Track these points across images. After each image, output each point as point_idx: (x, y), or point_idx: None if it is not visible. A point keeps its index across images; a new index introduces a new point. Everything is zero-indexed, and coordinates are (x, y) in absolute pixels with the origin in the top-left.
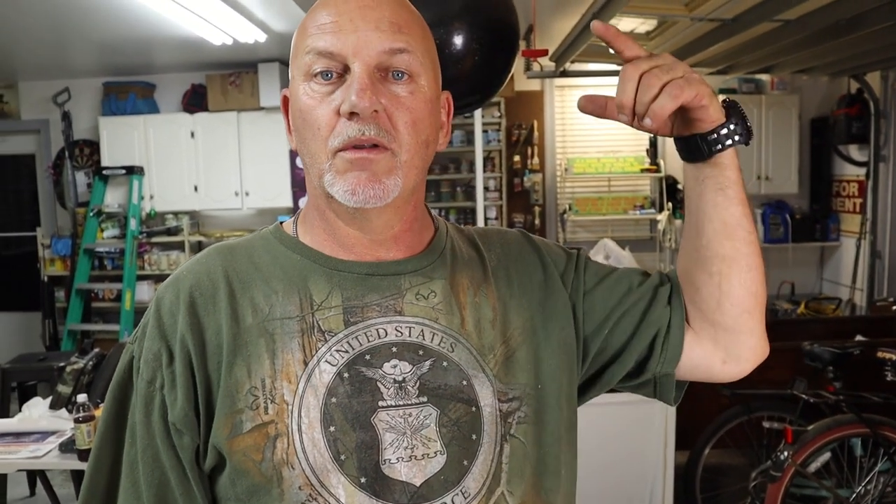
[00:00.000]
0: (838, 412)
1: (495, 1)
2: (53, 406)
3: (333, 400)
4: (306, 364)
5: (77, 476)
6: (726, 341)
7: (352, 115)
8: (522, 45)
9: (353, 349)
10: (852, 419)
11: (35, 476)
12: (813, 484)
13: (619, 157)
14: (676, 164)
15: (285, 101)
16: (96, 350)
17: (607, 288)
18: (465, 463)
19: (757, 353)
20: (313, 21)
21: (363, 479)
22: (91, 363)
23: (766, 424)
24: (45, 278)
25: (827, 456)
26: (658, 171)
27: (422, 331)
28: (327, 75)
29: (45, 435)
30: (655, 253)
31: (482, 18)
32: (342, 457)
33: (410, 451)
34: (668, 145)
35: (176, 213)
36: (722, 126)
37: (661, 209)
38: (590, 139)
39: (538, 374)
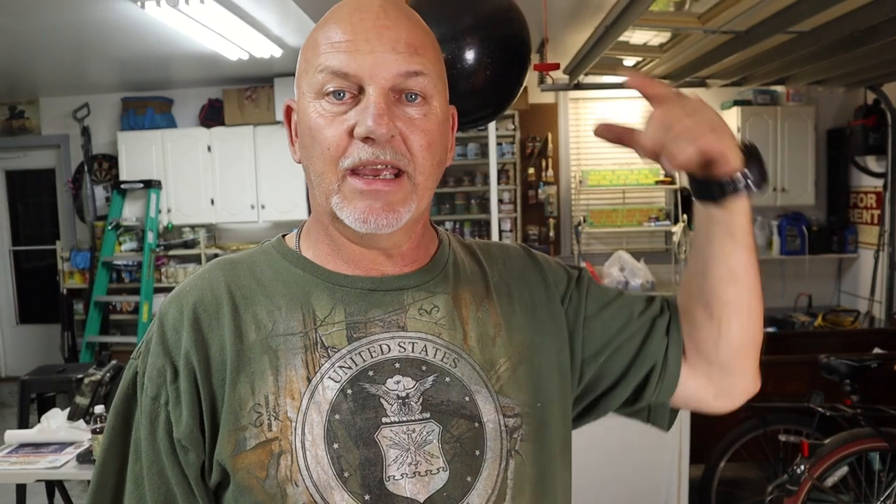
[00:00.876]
0: (856, 426)
1: (507, 17)
2: (71, 417)
3: (337, 417)
4: (309, 381)
5: None
6: (720, 379)
7: (366, 139)
8: (535, 58)
9: (357, 365)
10: (870, 433)
11: (53, 486)
12: (830, 498)
13: (633, 169)
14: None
15: (289, 111)
16: (114, 362)
17: (609, 316)
18: (469, 479)
19: (748, 391)
20: (326, 37)
21: (367, 497)
22: (108, 375)
23: (782, 438)
24: (65, 291)
25: (844, 470)
26: (673, 182)
27: (425, 346)
28: (340, 95)
29: (63, 446)
30: (671, 265)
31: (494, 34)
32: (346, 474)
33: (414, 468)
34: None
35: (193, 226)
36: (737, 172)
37: (676, 221)
38: (604, 151)
39: (538, 393)
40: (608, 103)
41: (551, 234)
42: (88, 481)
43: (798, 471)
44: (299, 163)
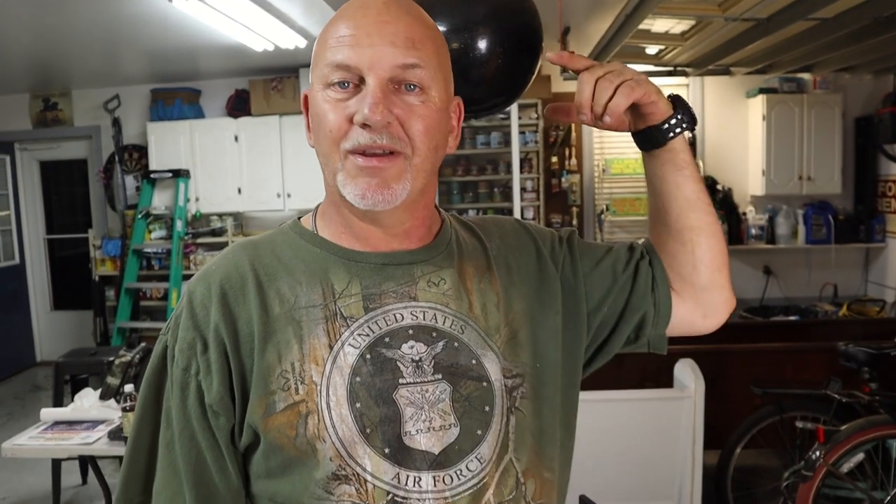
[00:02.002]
0: (873, 413)
1: (519, 6)
2: (103, 397)
3: (358, 379)
4: (331, 348)
5: None
6: (704, 298)
7: (364, 125)
8: (557, 46)
9: (374, 333)
10: (886, 420)
11: (87, 465)
12: (847, 485)
13: None
14: (715, 163)
15: (306, 100)
16: (143, 344)
17: (603, 270)
18: (479, 433)
19: (729, 305)
20: (333, 32)
21: (387, 450)
22: (138, 356)
23: (799, 424)
24: (97, 278)
25: (860, 457)
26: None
27: (434, 315)
28: (344, 85)
29: (95, 423)
30: None
31: (506, 24)
32: (368, 430)
33: (429, 424)
34: (708, 145)
35: (220, 215)
36: (671, 117)
37: None
38: (627, 140)
39: (536, 355)
40: None
41: (574, 222)
42: (119, 458)
43: (813, 457)
44: (313, 147)
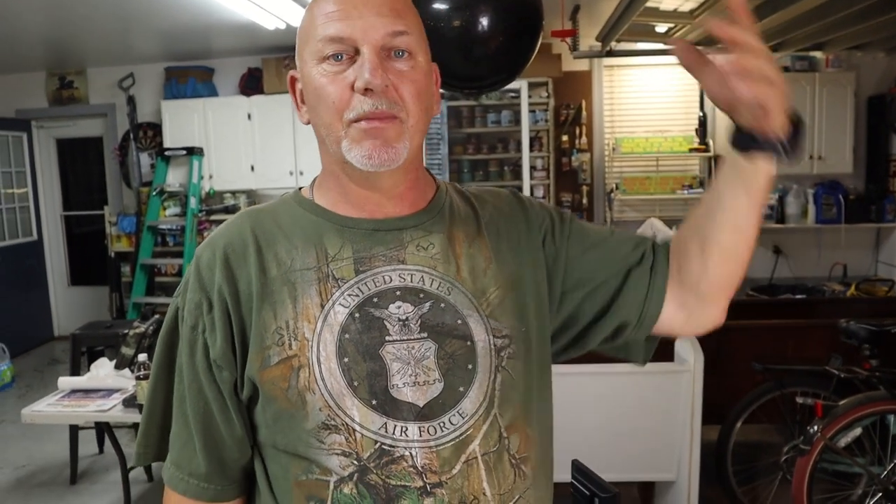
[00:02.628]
0: (873, 389)
1: None
2: (118, 366)
3: (347, 336)
4: (323, 307)
5: None
6: (693, 307)
7: (366, 90)
8: (568, 24)
9: (363, 293)
10: (884, 395)
11: (103, 435)
12: (845, 460)
13: (667, 136)
14: (726, 143)
15: (293, 82)
16: (156, 316)
17: (591, 259)
18: (461, 389)
19: (716, 323)
20: (320, 10)
21: (374, 402)
22: (151, 328)
23: (799, 400)
24: (112, 254)
25: (857, 432)
26: (707, 150)
27: (422, 277)
28: (338, 57)
29: (110, 392)
30: None
31: (506, 2)
32: (355, 383)
33: (414, 378)
34: (718, 125)
35: (233, 192)
36: (777, 134)
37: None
38: (638, 119)
39: (522, 318)
40: (643, 70)
41: (584, 201)
42: (133, 425)
43: (811, 431)
44: (307, 124)
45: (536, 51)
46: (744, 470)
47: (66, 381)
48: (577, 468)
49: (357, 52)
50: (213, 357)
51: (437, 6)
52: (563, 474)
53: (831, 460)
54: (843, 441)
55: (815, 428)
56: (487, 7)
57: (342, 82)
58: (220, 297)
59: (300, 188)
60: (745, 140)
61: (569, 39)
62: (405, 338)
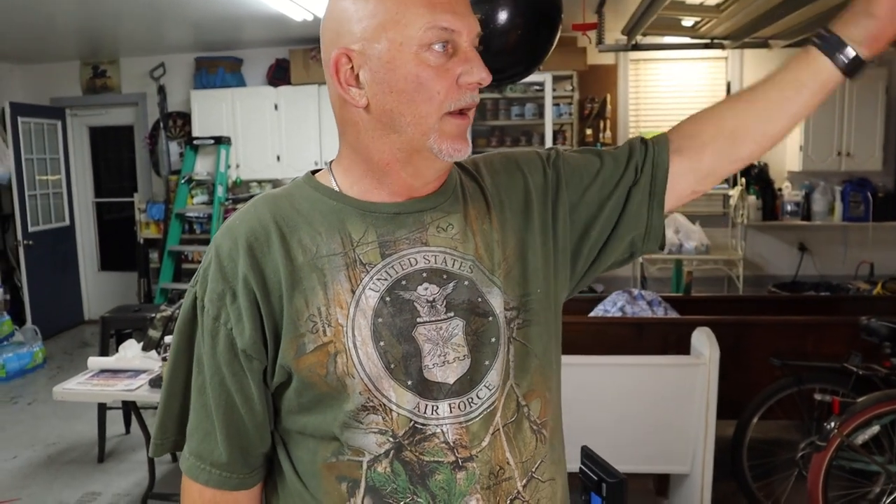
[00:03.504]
0: (893, 387)
1: None
2: (145, 348)
3: (380, 320)
4: (353, 292)
5: None
6: (704, 179)
7: (477, 84)
8: (591, 17)
9: (391, 277)
10: None
11: (130, 415)
12: (863, 458)
13: None
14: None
15: (342, 59)
16: (182, 300)
17: (589, 200)
18: (487, 363)
19: (725, 175)
20: None
21: (409, 382)
22: (178, 311)
23: (817, 397)
24: (141, 241)
25: (875, 429)
26: None
27: (445, 258)
28: (444, 46)
29: (137, 373)
30: (727, 228)
31: None
32: (392, 366)
33: (444, 358)
34: None
35: (260, 182)
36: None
37: (734, 185)
38: (663, 113)
39: (530, 285)
40: (669, 64)
41: None
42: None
43: (827, 427)
44: (361, 107)
45: (555, 44)
46: (760, 465)
47: (95, 362)
48: (586, 454)
49: (455, 45)
50: (241, 347)
51: None
52: (575, 464)
53: (849, 458)
54: (861, 438)
55: (832, 424)
56: (508, 2)
57: (447, 74)
58: (246, 286)
59: (313, 172)
60: (854, 60)
61: (591, 33)
62: (434, 318)
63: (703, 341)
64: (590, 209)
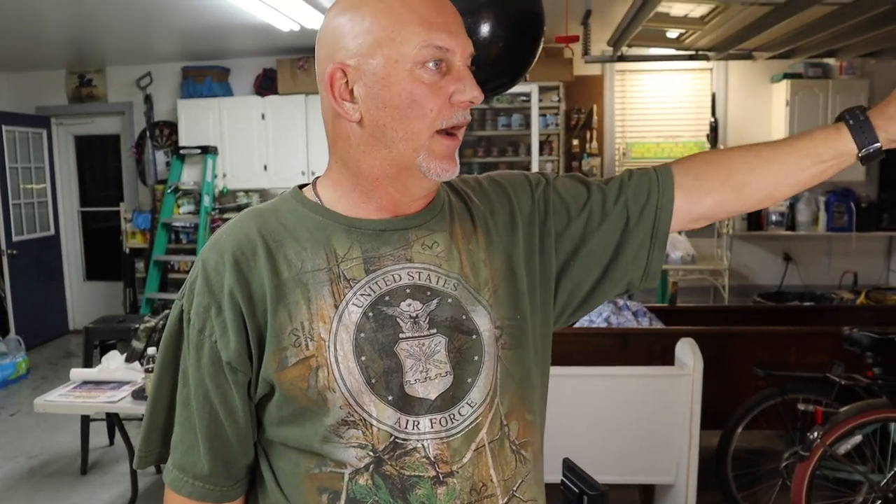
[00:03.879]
0: (875, 397)
1: None
2: (128, 359)
3: (362, 335)
4: (337, 307)
5: None
6: (694, 221)
7: (469, 103)
8: (575, 29)
9: (374, 292)
10: (885, 403)
11: (114, 427)
12: (846, 468)
13: (678, 142)
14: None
15: (334, 74)
16: (167, 311)
17: (573, 232)
18: (469, 380)
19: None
20: (418, 14)
21: (390, 398)
22: (161, 322)
23: (800, 407)
24: (127, 250)
25: (857, 439)
26: None
27: (429, 275)
28: (438, 64)
29: (120, 384)
30: (713, 239)
31: (508, 8)
32: (373, 381)
33: (426, 374)
34: (730, 131)
35: (247, 191)
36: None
37: None
38: (649, 124)
39: (516, 307)
40: (655, 75)
41: None
42: (143, 418)
43: (811, 437)
44: (354, 122)
45: (538, 56)
46: (744, 475)
47: (77, 373)
48: (568, 466)
49: (448, 63)
50: (226, 360)
51: None
52: (557, 475)
53: (832, 467)
54: (844, 448)
55: (815, 434)
56: (490, 14)
57: (441, 92)
58: (232, 299)
59: (300, 186)
60: (876, 151)
61: (574, 45)
62: (416, 334)
63: (687, 352)
64: (573, 241)
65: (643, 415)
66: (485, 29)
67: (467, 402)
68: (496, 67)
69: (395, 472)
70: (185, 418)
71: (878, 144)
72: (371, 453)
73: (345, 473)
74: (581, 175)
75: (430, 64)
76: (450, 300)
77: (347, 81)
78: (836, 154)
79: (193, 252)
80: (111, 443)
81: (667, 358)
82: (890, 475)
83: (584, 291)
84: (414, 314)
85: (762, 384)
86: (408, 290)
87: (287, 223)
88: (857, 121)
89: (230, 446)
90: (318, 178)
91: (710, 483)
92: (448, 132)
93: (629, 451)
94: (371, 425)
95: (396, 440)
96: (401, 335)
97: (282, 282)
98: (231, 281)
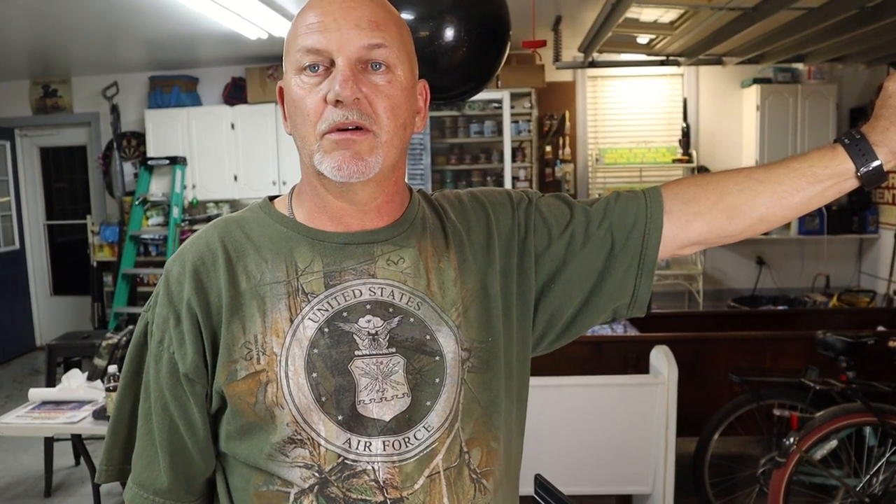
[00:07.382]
0: (850, 401)
1: None
2: (90, 378)
3: (315, 350)
4: (292, 321)
5: None
6: (683, 248)
7: (337, 102)
8: (543, 35)
9: (333, 308)
10: (860, 408)
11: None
12: (822, 473)
13: (651, 147)
14: (709, 154)
15: (281, 92)
16: (130, 327)
17: (554, 253)
18: (428, 403)
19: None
20: (302, 21)
21: (340, 417)
22: (125, 339)
23: (776, 412)
24: (95, 264)
25: (833, 444)
26: (690, 161)
27: (392, 291)
28: (315, 68)
29: (81, 403)
30: None
31: (471, 13)
32: (323, 398)
33: (381, 394)
34: (702, 136)
35: (217, 202)
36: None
37: None
38: (622, 130)
39: (487, 329)
40: (627, 81)
41: None
42: (105, 438)
43: (787, 443)
44: (290, 134)
45: (504, 60)
46: (721, 482)
47: (36, 393)
48: (540, 483)
49: (332, 63)
50: (184, 371)
51: (403, 17)
52: (529, 487)
53: (808, 473)
54: (820, 453)
55: (791, 440)
56: (453, 19)
57: (317, 94)
58: (190, 310)
59: (272, 197)
60: (881, 176)
61: (542, 50)
62: (374, 352)
63: (662, 360)
64: (554, 263)
65: (618, 424)
66: (448, 33)
67: (424, 426)
68: (461, 72)
69: (340, 495)
70: (146, 432)
71: (878, 162)
72: (316, 474)
73: (290, 493)
74: (566, 196)
75: (308, 68)
76: (412, 319)
77: (284, 98)
78: (833, 173)
79: (163, 265)
80: (77, 463)
81: (641, 365)
82: (866, 479)
83: (567, 317)
84: (373, 331)
85: (738, 390)
86: (368, 306)
87: (252, 234)
88: (853, 139)
89: (191, 459)
90: (294, 187)
91: (688, 491)
92: (339, 132)
93: (605, 462)
94: (318, 444)
95: (345, 461)
96: (356, 352)
97: (239, 293)
98: (189, 291)
